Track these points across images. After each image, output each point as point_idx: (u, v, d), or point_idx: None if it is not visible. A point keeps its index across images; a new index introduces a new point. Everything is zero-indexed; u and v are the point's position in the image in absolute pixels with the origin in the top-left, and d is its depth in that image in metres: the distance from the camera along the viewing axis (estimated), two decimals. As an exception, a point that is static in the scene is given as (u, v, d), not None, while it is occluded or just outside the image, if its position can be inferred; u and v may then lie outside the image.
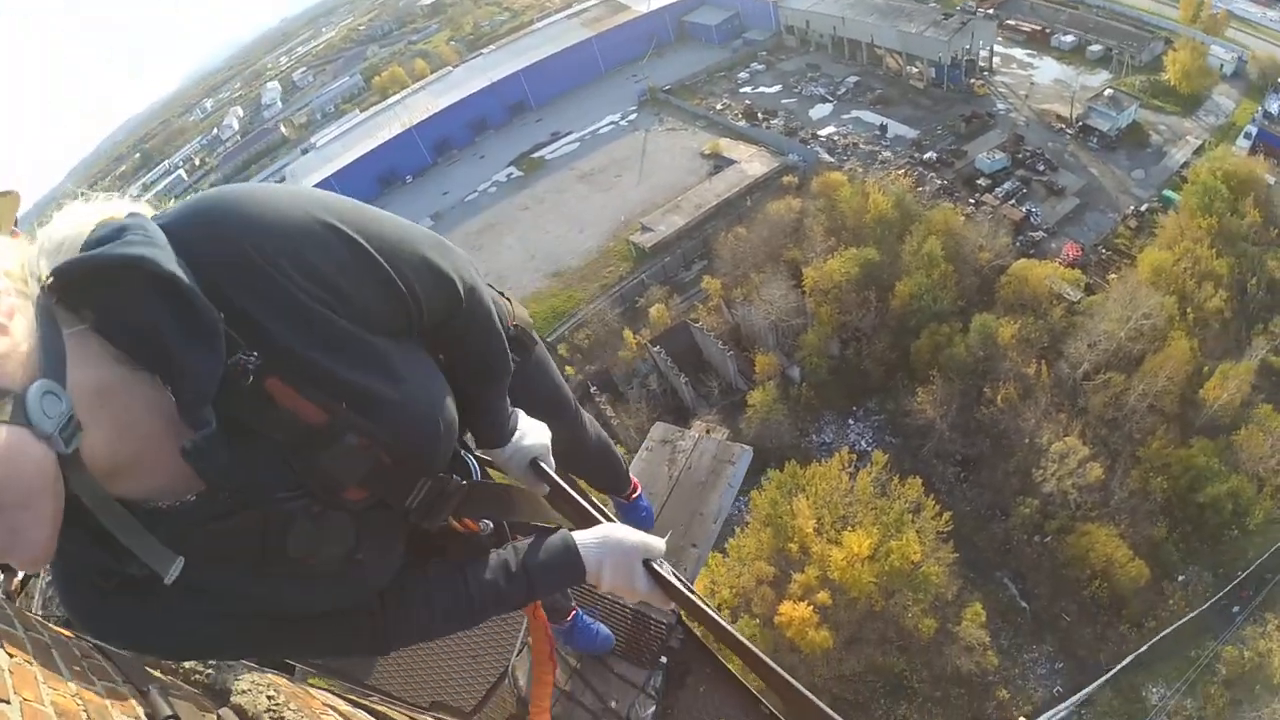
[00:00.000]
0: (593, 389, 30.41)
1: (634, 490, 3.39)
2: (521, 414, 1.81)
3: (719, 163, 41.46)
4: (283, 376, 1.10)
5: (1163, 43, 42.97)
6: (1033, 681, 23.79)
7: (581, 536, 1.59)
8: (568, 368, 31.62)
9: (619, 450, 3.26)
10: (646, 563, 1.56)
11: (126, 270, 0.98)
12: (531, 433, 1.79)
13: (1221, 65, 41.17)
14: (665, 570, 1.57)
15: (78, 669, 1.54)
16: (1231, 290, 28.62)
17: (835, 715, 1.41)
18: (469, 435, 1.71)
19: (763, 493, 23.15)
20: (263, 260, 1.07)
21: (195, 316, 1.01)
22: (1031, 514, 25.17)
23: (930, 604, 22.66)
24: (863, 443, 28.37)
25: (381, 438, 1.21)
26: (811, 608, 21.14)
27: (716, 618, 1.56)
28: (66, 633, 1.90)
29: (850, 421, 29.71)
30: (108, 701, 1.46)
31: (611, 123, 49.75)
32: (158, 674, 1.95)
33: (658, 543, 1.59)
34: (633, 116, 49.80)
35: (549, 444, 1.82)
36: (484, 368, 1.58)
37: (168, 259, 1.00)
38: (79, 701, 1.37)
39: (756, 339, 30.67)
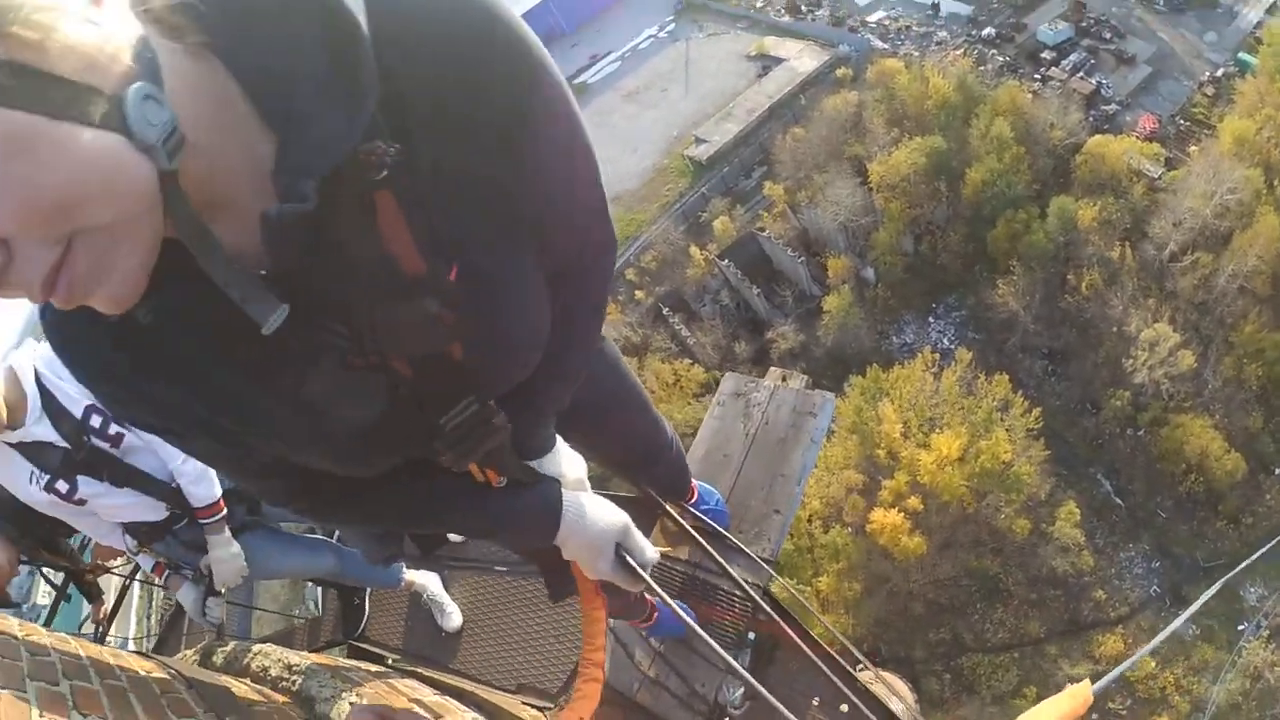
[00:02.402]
0: (665, 310, 28.78)
1: (692, 494, 2.82)
2: (560, 439, 1.36)
3: (767, 63, 37.72)
4: (400, 199, 0.76)
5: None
6: (1129, 581, 22.19)
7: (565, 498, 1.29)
8: (637, 292, 30.19)
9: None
10: (619, 546, 1.30)
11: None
12: (568, 461, 1.35)
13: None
14: (634, 561, 1.33)
15: (155, 710, 1.47)
16: (1321, 161, 25.01)
17: None
18: None
19: (847, 400, 21.72)
20: (456, 48, 0.74)
21: (350, 75, 0.69)
22: (1123, 406, 22.98)
23: (1023, 504, 21.45)
24: (944, 341, 26.25)
25: (467, 325, 0.88)
26: (903, 514, 20.22)
27: (689, 620, 1.30)
28: (146, 666, 1.83)
29: (930, 320, 27.43)
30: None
31: (650, 36, 45.97)
32: (245, 685, 1.94)
33: (637, 535, 1.33)
34: (671, 27, 45.81)
35: (584, 477, 1.39)
36: (580, 301, 1.13)
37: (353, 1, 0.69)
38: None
39: (826, 242, 28.26)
